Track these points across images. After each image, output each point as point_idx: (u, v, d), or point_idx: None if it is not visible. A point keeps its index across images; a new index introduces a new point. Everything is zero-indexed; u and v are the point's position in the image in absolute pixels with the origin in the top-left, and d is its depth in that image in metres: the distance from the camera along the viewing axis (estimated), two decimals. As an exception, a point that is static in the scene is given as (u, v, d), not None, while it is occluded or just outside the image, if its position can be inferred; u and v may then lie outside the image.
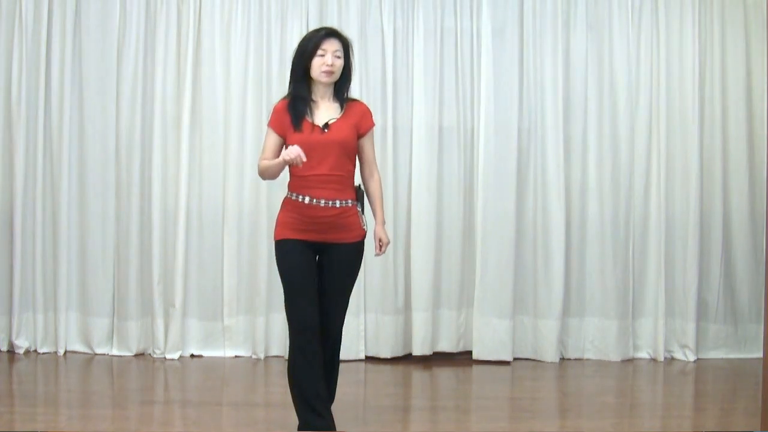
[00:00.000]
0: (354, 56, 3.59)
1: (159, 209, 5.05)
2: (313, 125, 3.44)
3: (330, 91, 3.51)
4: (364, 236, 3.53)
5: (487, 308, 5.07)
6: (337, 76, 3.47)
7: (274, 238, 3.50)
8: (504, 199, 5.07)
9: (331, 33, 3.49)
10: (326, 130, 3.43)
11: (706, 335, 5.20)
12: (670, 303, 5.17)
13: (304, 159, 3.28)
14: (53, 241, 5.07)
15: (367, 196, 3.61)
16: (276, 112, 3.52)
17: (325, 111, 3.49)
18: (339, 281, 3.52)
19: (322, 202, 3.41)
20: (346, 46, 3.51)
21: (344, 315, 3.59)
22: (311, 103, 3.49)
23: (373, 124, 3.56)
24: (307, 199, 3.41)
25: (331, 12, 5.05)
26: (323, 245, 3.47)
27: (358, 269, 3.57)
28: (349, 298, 3.59)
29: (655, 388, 4.71)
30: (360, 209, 3.51)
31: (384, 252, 3.62)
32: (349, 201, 3.47)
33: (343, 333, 3.65)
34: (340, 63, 3.46)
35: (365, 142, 3.54)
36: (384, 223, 3.59)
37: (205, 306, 5.14)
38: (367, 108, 3.60)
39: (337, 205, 3.43)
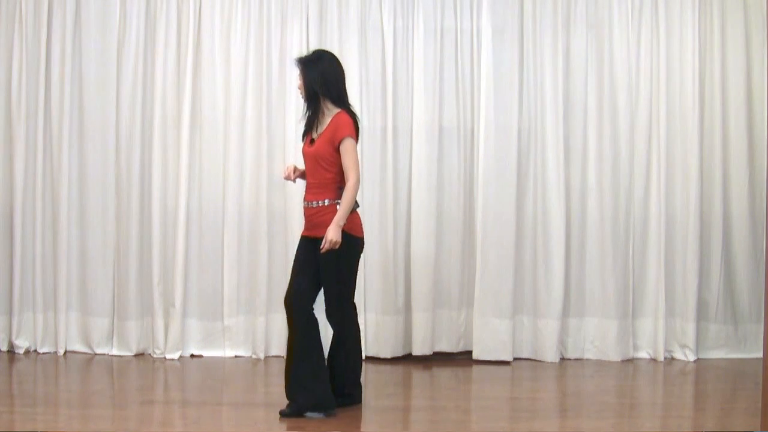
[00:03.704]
0: (317, 67, 3.88)
1: (159, 209, 5.05)
2: (311, 139, 3.96)
3: (327, 105, 3.91)
4: (345, 230, 3.82)
5: (487, 308, 5.07)
6: (306, 94, 3.92)
7: None
8: (504, 199, 5.07)
9: (295, 61, 4.02)
10: (312, 144, 3.93)
11: (706, 335, 5.20)
12: (670, 303, 5.17)
13: (288, 174, 4.03)
14: (53, 241, 5.07)
15: None
16: None
17: (322, 125, 3.93)
18: (322, 271, 3.91)
19: (306, 203, 3.97)
20: (302, 66, 3.94)
21: (336, 303, 3.94)
22: (319, 117, 3.93)
23: (343, 135, 3.81)
24: (304, 202, 3.98)
25: (331, 12, 5.05)
26: (314, 239, 3.90)
27: (337, 262, 3.85)
28: (336, 287, 3.92)
29: (655, 388, 4.71)
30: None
31: (325, 249, 3.78)
32: (326, 201, 3.88)
33: (350, 323, 4.00)
34: (301, 84, 3.94)
35: (341, 151, 3.84)
36: (337, 224, 3.78)
37: (205, 306, 5.14)
38: (342, 120, 3.85)
39: (314, 206, 3.91)
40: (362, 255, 3.97)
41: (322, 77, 3.87)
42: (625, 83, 5.13)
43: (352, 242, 3.88)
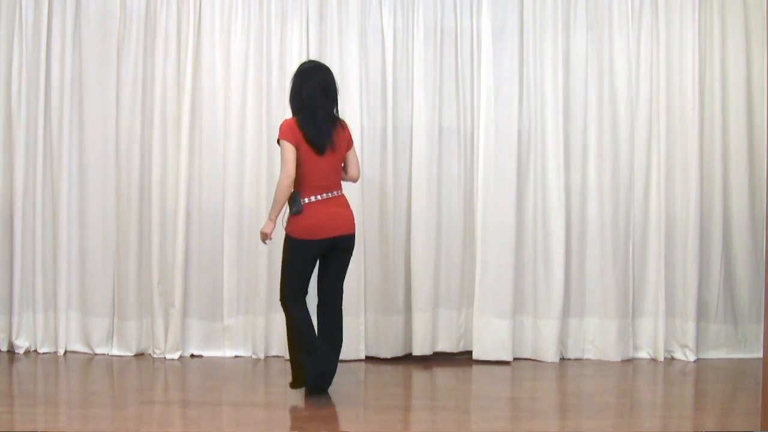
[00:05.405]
0: (292, 81, 4.23)
1: (158, 209, 5.05)
2: None
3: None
4: (286, 230, 4.20)
5: (487, 308, 5.07)
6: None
7: None
8: (504, 199, 5.07)
9: None
10: None
11: (706, 335, 5.20)
12: (670, 303, 5.16)
13: None
14: (53, 241, 5.07)
15: None
16: None
17: None
18: None
19: None
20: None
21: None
22: None
23: (277, 139, 4.16)
24: None
25: (331, 12, 5.05)
26: None
27: (284, 253, 4.20)
28: (281, 275, 4.21)
29: (655, 388, 4.71)
30: (289, 209, 4.18)
31: (264, 241, 4.25)
32: None
33: (287, 315, 4.21)
34: None
35: None
36: (268, 217, 4.19)
37: (205, 306, 5.14)
38: (281, 125, 4.17)
39: None
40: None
41: (292, 89, 4.21)
42: (625, 83, 5.12)
43: (288, 241, 4.18)
